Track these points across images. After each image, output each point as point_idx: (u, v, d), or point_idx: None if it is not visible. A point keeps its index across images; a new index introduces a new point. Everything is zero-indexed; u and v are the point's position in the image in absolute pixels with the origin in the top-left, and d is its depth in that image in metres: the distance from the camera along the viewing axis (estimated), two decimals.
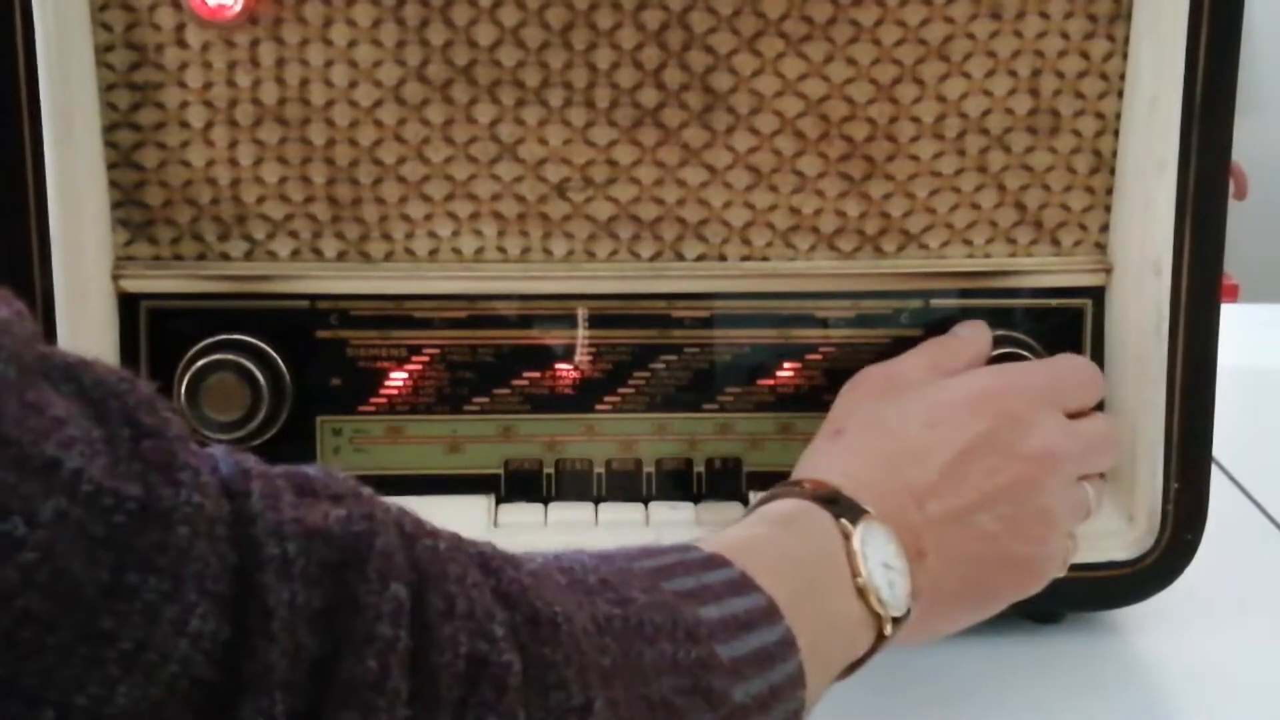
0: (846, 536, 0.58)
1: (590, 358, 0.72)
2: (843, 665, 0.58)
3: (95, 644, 0.33)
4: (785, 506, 0.60)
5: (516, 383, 0.72)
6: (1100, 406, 0.70)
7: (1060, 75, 0.70)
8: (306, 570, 0.37)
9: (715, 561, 0.53)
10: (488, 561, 0.43)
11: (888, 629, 0.58)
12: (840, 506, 0.59)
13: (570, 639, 0.42)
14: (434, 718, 0.38)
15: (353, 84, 0.68)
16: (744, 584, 0.52)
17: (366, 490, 0.41)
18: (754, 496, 0.71)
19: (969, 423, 0.64)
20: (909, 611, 0.59)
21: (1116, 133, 0.71)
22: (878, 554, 0.58)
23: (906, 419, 0.65)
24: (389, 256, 0.71)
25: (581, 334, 0.72)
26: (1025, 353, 0.71)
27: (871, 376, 0.69)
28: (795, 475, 0.64)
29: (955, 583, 0.63)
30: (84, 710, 0.33)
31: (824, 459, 0.64)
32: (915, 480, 0.62)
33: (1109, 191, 0.72)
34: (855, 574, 0.57)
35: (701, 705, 0.46)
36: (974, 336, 0.71)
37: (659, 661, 0.46)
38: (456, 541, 0.43)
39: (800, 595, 0.54)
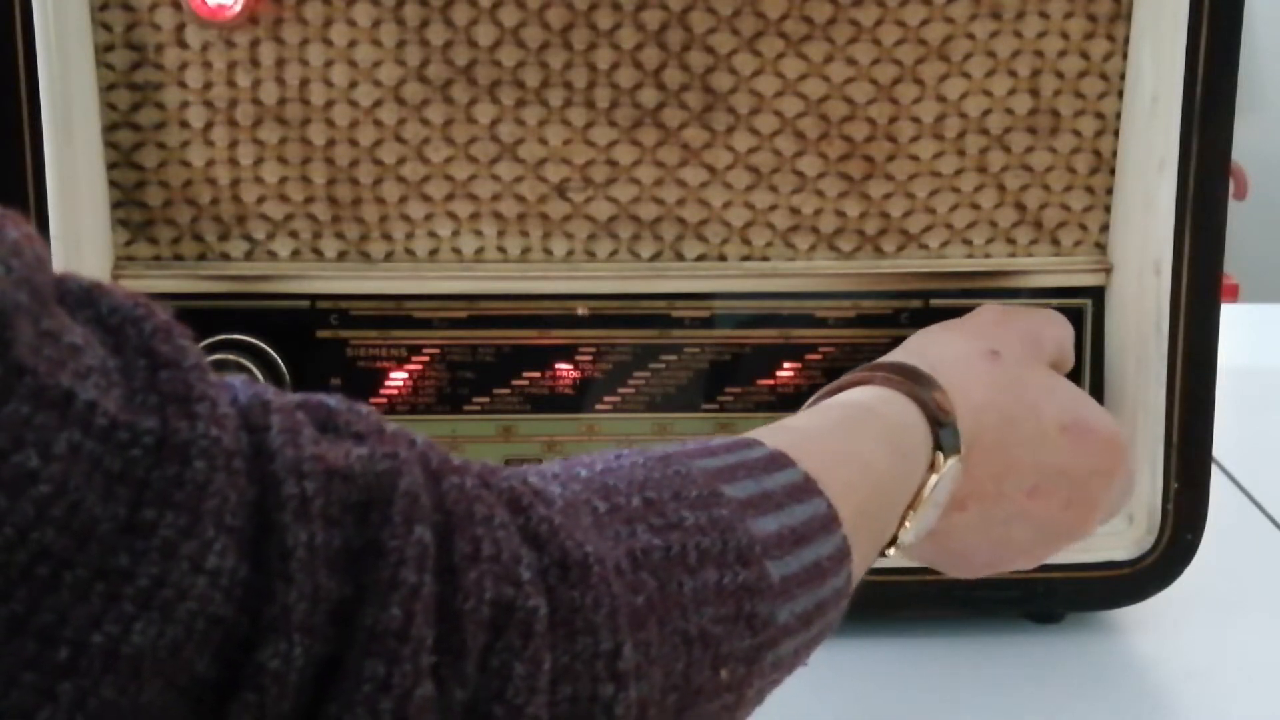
0: (932, 468, 0.58)
1: (590, 357, 0.72)
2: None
3: (111, 581, 0.32)
4: (892, 409, 0.58)
5: (516, 383, 0.72)
6: None
7: (1060, 75, 0.70)
8: (326, 510, 0.36)
9: (778, 461, 0.50)
10: (518, 498, 0.41)
11: (890, 551, 0.58)
12: (946, 435, 0.58)
13: (600, 581, 0.41)
14: (459, 665, 0.37)
15: (353, 84, 0.68)
16: (806, 488, 0.50)
17: (391, 426, 0.40)
18: None
19: (1087, 454, 0.64)
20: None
21: (1116, 133, 0.71)
22: (940, 494, 0.58)
23: (1048, 403, 0.64)
24: (389, 256, 0.71)
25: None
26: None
27: (1017, 324, 0.68)
28: (929, 362, 0.62)
29: (957, 546, 0.63)
30: (99, 649, 0.32)
31: (964, 370, 0.62)
32: (1014, 456, 0.62)
33: (1109, 191, 0.72)
34: (913, 506, 0.57)
35: (742, 631, 0.45)
36: None
37: (700, 591, 0.44)
38: (485, 476, 0.41)
39: (864, 515, 0.53)
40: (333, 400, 0.40)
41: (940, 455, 0.58)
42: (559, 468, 0.46)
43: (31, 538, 0.31)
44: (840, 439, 0.56)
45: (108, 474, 0.33)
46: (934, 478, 0.58)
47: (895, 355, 0.63)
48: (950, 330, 0.67)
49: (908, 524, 0.57)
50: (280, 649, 0.35)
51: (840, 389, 0.61)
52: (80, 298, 0.36)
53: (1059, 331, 0.70)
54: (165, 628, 0.33)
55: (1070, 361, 0.71)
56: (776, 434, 0.53)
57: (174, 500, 0.33)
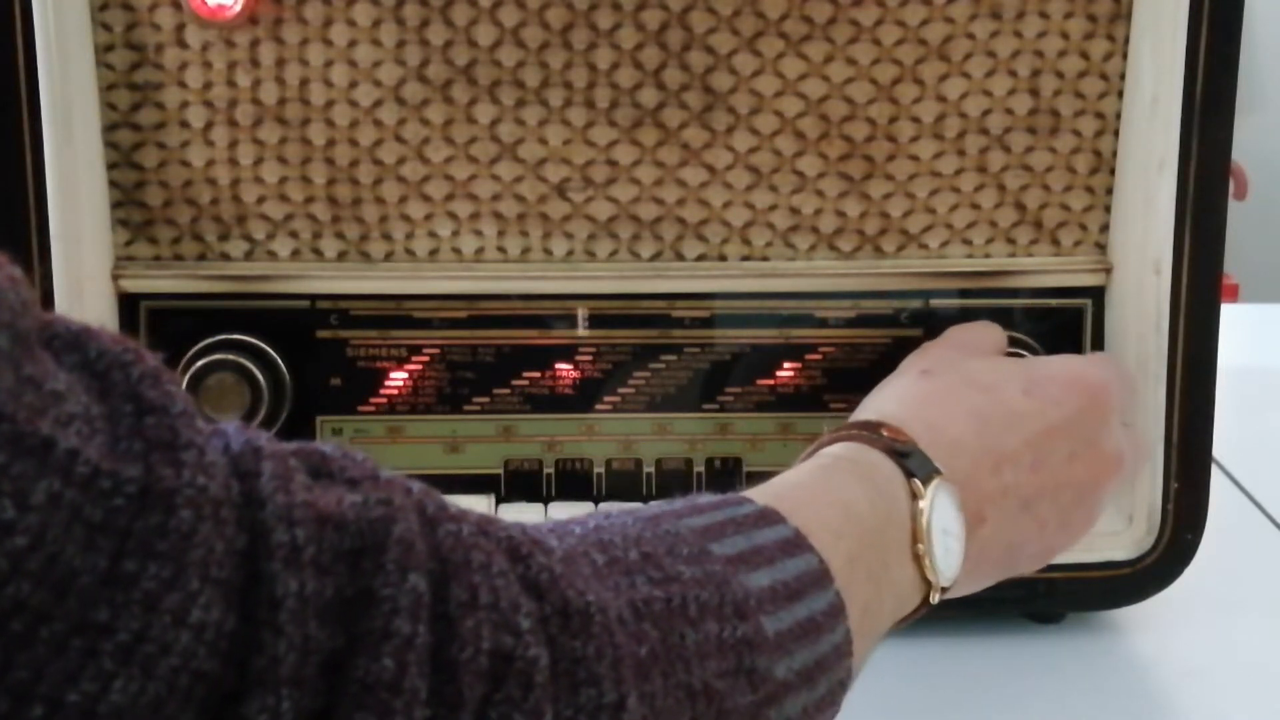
0: (915, 497, 0.56)
1: (591, 357, 0.72)
2: (888, 627, 0.56)
3: (90, 636, 0.31)
4: (856, 453, 0.58)
5: (516, 383, 0.72)
6: None
7: (1060, 75, 0.70)
8: (318, 558, 0.35)
9: (768, 517, 0.50)
10: (517, 547, 0.40)
11: (934, 597, 0.57)
12: (914, 462, 0.57)
13: (603, 631, 0.40)
14: (455, 717, 0.36)
15: (353, 84, 0.68)
16: (797, 544, 0.50)
17: (386, 472, 0.39)
18: None
19: (1062, 401, 0.64)
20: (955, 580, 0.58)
21: (1116, 133, 0.71)
22: (941, 520, 0.57)
23: (1001, 380, 0.64)
24: (389, 256, 0.71)
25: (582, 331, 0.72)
26: (1026, 353, 0.71)
27: (939, 344, 0.68)
28: (875, 411, 0.62)
29: (994, 557, 0.62)
30: (76, 707, 0.31)
31: (909, 400, 0.62)
32: (1000, 444, 0.61)
33: (1109, 191, 0.72)
34: (916, 540, 0.56)
35: (744, 686, 0.45)
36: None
37: (703, 644, 0.44)
38: (483, 525, 0.40)
39: (857, 559, 0.52)
40: (328, 447, 0.39)
41: (917, 483, 0.57)
42: (552, 524, 0.46)
43: (6, 591, 0.30)
44: (819, 485, 0.56)
45: (88, 524, 0.32)
46: (923, 504, 0.56)
47: (845, 421, 0.63)
48: (883, 383, 0.67)
49: (927, 561, 0.56)
50: (268, 703, 0.34)
51: (807, 457, 0.60)
52: (68, 341, 0.35)
53: (984, 330, 0.70)
54: (146, 684, 0.32)
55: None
56: (763, 491, 0.53)
57: (157, 551, 0.32)
